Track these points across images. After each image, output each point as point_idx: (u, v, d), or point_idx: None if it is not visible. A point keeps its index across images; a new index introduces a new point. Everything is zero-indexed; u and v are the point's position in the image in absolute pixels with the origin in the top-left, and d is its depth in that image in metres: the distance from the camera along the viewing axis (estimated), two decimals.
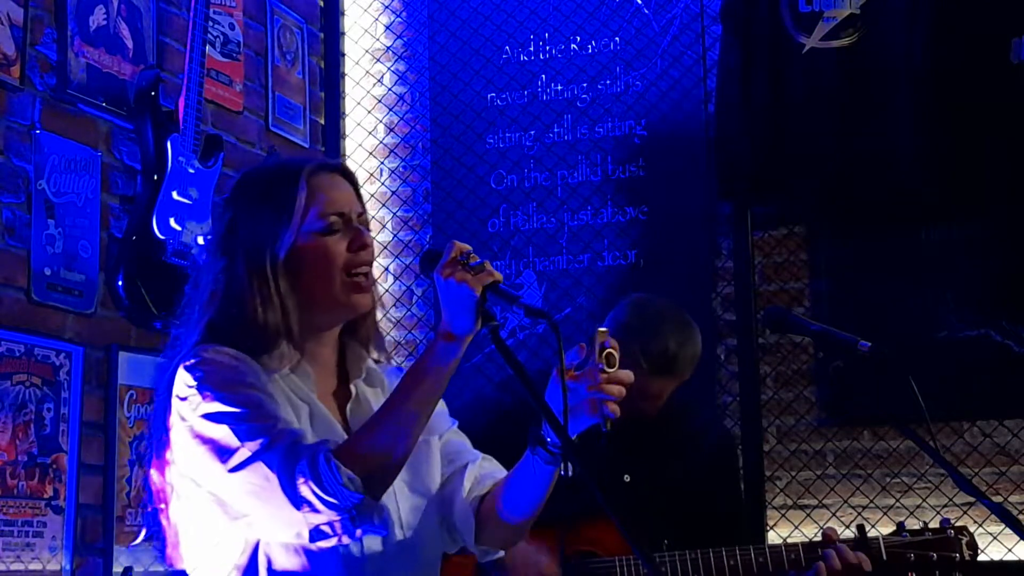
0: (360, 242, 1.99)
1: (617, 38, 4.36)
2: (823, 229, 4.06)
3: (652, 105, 4.27)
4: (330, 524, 1.79)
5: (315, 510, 1.78)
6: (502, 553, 2.15)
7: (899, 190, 3.77)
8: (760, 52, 3.95)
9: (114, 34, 3.58)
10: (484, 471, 2.10)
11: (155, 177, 3.49)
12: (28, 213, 3.24)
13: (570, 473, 1.86)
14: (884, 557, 2.77)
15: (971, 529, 2.82)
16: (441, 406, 2.12)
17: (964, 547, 2.79)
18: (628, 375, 1.87)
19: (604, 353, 1.85)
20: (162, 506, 1.97)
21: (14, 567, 3.08)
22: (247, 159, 4.10)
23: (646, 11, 4.33)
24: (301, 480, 1.78)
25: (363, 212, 2.05)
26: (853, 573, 2.72)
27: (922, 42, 3.78)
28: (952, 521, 2.83)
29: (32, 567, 3.14)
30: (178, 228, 3.50)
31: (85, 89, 3.44)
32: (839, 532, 2.84)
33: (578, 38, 4.41)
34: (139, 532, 3.46)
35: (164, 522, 1.98)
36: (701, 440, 3.09)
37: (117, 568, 3.37)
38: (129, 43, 3.63)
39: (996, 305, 3.78)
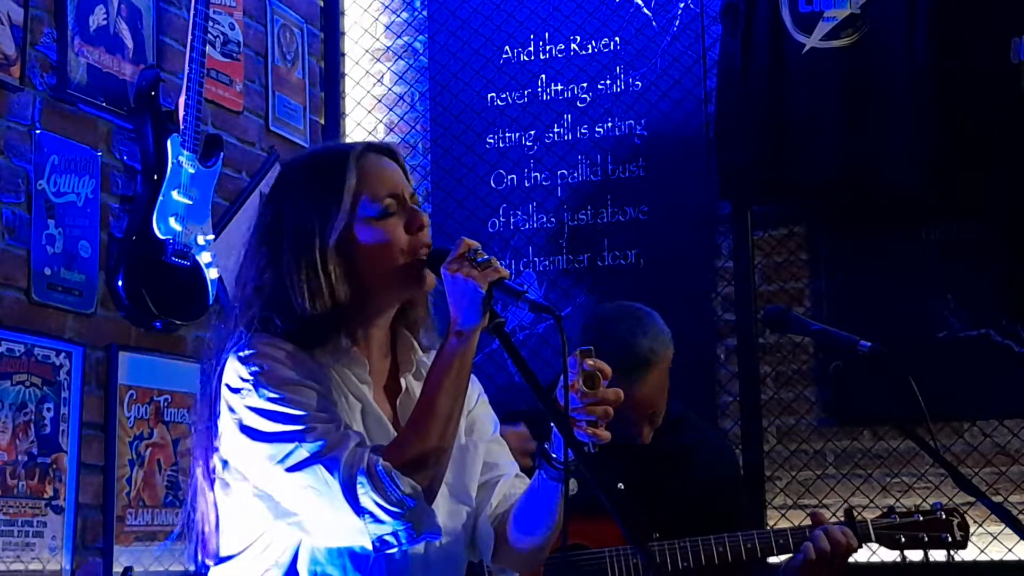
0: (419, 222, 1.94)
1: (617, 38, 4.36)
2: (823, 229, 4.06)
3: (652, 105, 4.27)
4: (394, 534, 1.76)
5: (378, 520, 1.76)
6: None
7: (899, 190, 3.77)
8: (760, 52, 3.95)
9: (114, 34, 3.58)
10: (515, 489, 2.06)
11: (155, 177, 3.49)
12: (28, 213, 3.24)
13: (573, 491, 1.85)
14: (873, 538, 2.77)
15: (966, 517, 2.82)
16: (485, 407, 2.11)
17: (955, 528, 2.78)
18: (616, 394, 1.81)
19: (584, 375, 1.79)
20: (210, 494, 1.93)
21: (14, 567, 3.08)
22: (247, 159, 4.10)
23: (646, 11, 4.33)
24: (362, 490, 1.75)
25: (414, 192, 2.00)
26: (841, 552, 2.72)
27: (922, 42, 3.78)
28: (943, 504, 2.83)
29: (32, 567, 3.14)
30: (178, 228, 3.50)
31: (85, 89, 3.44)
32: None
33: (578, 38, 4.41)
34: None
35: (204, 513, 1.94)
36: (695, 455, 3.03)
37: (117, 568, 3.37)
38: (129, 43, 3.63)
39: (996, 305, 3.78)
